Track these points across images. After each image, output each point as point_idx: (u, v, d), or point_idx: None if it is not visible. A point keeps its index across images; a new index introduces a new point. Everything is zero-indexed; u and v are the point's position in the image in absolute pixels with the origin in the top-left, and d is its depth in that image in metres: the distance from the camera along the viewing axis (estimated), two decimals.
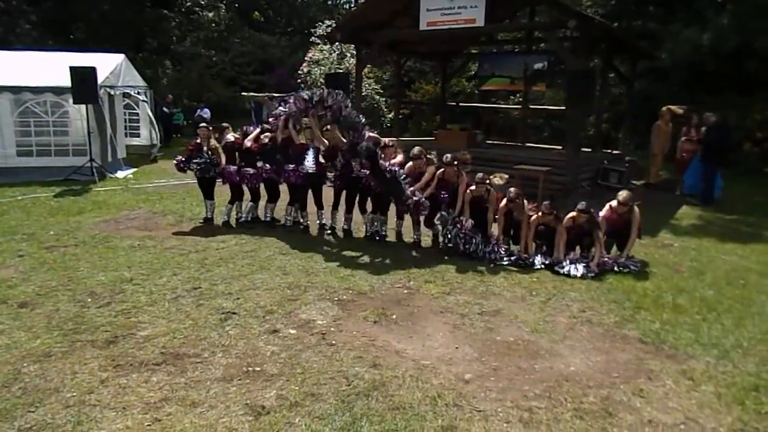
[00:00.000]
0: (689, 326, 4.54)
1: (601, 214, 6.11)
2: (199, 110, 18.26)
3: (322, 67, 19.35)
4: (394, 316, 4.63)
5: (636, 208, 6.03)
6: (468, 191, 6.34)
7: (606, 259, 5.97)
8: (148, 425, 3.05)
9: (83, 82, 10.09)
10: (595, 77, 10.50)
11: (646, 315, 4.75)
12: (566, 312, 4.81)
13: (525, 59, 13.37)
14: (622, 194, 6.04)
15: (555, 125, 16.67)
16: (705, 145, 9.76)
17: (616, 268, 5.86)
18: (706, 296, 5.26)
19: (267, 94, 13.68)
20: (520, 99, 15.07)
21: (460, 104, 16.76)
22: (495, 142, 13.44)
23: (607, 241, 6.18)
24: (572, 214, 6.01)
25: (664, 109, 11.24)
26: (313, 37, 20.36)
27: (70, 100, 10.49)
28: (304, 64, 20.41)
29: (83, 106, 10.54)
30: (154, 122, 14.37)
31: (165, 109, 17.13)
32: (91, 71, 10.23)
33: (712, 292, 5.38)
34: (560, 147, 12.25)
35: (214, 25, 26.72)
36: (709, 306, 5.01)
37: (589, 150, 11.93)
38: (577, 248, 6.14)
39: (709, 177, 9.76)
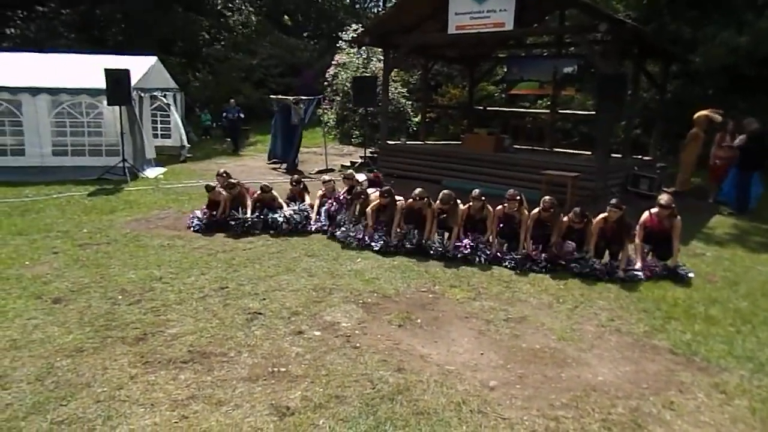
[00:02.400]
0: (722, 338, 4.42)
1: (641, 220, 6.01)
2: (227, 112, 18.49)
3: (349, 71, 19.46)
4: (419, 321, 4.61)
5: (677, 215, 5.91)
6: (501, 207, 6.38)
7: (655, 266, 5.88)
8: (175, 422, 3.10)
9: (117, 84, 10.36)
10: (627, 81, 10.31)
11: (677, 325, 4.64)
12: (594, 320, 4.72)
13: (554, 63, 13.22)
14: (664, 198, 5.92)
15: (584, 130, 16.42)
16: (743, 153, 9.44)
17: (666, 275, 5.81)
18: (740, 307, 5.11)
19: (295, 97, 13.77)
20: (549, 103, 14.90)
21: (488, 108, 16.65)
22: (522, 146, 13.32)
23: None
24: (603, 215, 5.93)
25: (701, 114, 10.83)
26: (340, 41, 20.50)
27: (105, 102, 10.77)
28: (331, 68, 20.56)
29: (116, 108, 10.80)
30: (183, 124, 14.64)
31: (228, 115, 16.95)
32: (125, 73, 10.49)
33: (747, 303, 5.22)
34: (589, 152, 12.07)
35: (242, 28, 27.12)
36: (743, 318, 4.86)
37: (619, 156, 11.73)
38: (606, 253, 6.05)
39: (744, 184, 9.48)
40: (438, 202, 6.52)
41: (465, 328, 4.49)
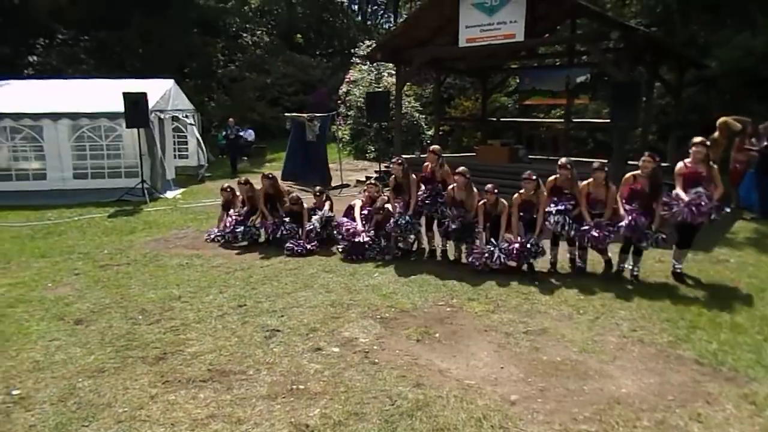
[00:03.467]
0: (750, 347, 4.30)
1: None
2: (243, 132, 18.71)
3: (361, 87, 19.62)
4: (438, 335, 4.58)
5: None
6: (517, 195, 6.30)
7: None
8: None
9: (135, 106, 10.57)
10: (641, 88, 10.23)
11: (702, 334, 4.53)
12: (616, 331, 4.64)
13: (567, 72, 13.18)
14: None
15: (599, 138, 16.30)
16: (764, 156, 9.27)
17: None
18: (767, 315, 4.99)
19: (309, 114, 13.88)
20: (563, 112, 14.84)
21: (501, 119, 16.63)
22: (537, 156, 13.25)
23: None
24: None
25: (723, 120, 10.64)
26: (353, 58, 20.70)
27: (123, 125, 10.98)
28: (343, 85, 20.76)
29: (135, 130, 11.01)
30: (202, 144, 14.86)
31: (228, 133, 16.67)
32: (142, 96, 10.70)
33: None
34: (605, 160, 11.96)
35: (255, 48, 27.56)
36: None
37: (635, 163, 11.58)
38: None
39: (766, 188, 9.30)
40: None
41: (484, 342, 4.44)
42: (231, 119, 17.05)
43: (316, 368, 3.97)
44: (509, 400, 3.53)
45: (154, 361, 4.10)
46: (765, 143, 9.36)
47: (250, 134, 19.58)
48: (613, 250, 6.15)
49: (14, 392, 3.63)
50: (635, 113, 9.71)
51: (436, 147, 7.12)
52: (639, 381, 3.79)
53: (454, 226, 6.44)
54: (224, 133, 17.11)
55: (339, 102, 20.73)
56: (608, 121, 12.76)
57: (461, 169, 6.44)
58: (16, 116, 11.09)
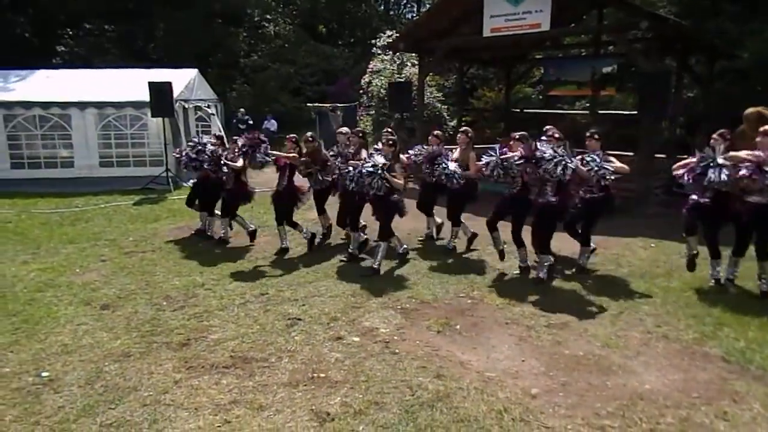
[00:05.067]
0: None
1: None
2: (265, 121, 18.79)
3: (383, 77, 19.53)
4: (458, 327, 4.56)
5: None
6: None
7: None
8: (218, 426, 3.15)
9: (160, 96, 10.70)
10: (670, 80, 9.98)
11: (729, 332, 4.43)
12: (640, 327, 4.57)
13: (593, 63, 12.93)
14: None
15: (622, 132, 16.02)
16: None
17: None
18: None
19: (332, 105, 13.92)
20: (587, 104, 14.59)
21: (525, 110, 16.43)
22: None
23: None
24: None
25: (753, 110, 10.27)
26: (375, 48, 20.60)
27: (149, 114, 11.13)
28: (366, 75, 20.68)
29: (160, 119, 11.14)
30: (224, 134, 14.96)
31: (240, 125, 16.70)
32: (167, 86, 10.83)
33: None
34: (631, 153, 11.74)
35: (277, 38, 27.60)
36: None
37: (664, 156, 11.36)
38: None
39: None
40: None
41: (505, 335, 4.42)
42: (242, 109, 17.06)
43: (336, 357, 4.00)
44: (530, 394, 3.51)
45: (178, 346, 4.17)
46: None
47: (273, 124, 19.64)
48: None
49: (44, 374, 3.73)
50: (664, 106, 9.48)
51: (466, 129, 7.04)
52: (663, 377, 3.73)
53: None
54: (264, 124, 17.18)
55: (361, 92, 20.68)
56: (635, 113, 12.53)
57: (465, 128, 6.57)
58: (45, 105, 11.30)
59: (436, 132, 7.07)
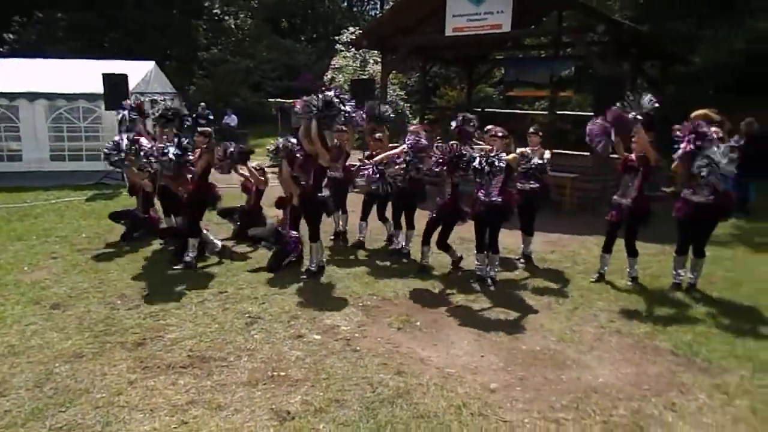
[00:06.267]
0: (723, 339, 4.40)
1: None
2: (225, 116, 18.45)
3: (346, 74, 19.47)
4: (419, 323, 4.60)
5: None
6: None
7: None
8: (175, 427, 3.08)
9: (115, 88, 10.35)
10: (625, 83, 10.30)
11: (678, 327, 4.62)
12: (594, 322, 4.71)
13: (552, 65, 13.22)
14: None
15: (580, 132, 16.47)
16: (745, 154, 9.37)
17: None
18: (741, 308, 5.10)
19: (294, 100, 13.77)
20: (546, 104, 14.91)
21: (486, 110, 16.65)
22: (521, 148, 13.30)
23: None
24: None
25: (699, 113, 10.73)
26: (338, 44, 20.52)
27: (102, 106, 10.76)
28: (329, 71, 20.57)
29: (115, 112, 10.78)
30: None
31: (200, 120, 16.36)
32: (123, 78, 10.49)
33: (748, 303, 5.21)
34: (588, 153, 12.07)
35: (238, 32, 27.16)
36: (744, 318, 4.85)
37: (615, 156, 11.70)
38: None
39: (743, 184, 9.45)
40: None
41: (464, 331, 4.48)
42: (202, 103, 16.74)
43: (297, 355, 3.96)
44: (489, 389, 3.57)
45: (133, 346, 4.05)
46: (743, 141, 9.49)
47: (233, 119, 19.29)
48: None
49: None
50: None
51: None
52: (616, 371, 3.86)
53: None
54: (225, 119, 16.81)
55: (324, 88, 20.57)
56: (592, 114, 12.88)
57: (536, 126, 6.57)
58: None
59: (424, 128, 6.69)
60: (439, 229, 5.78)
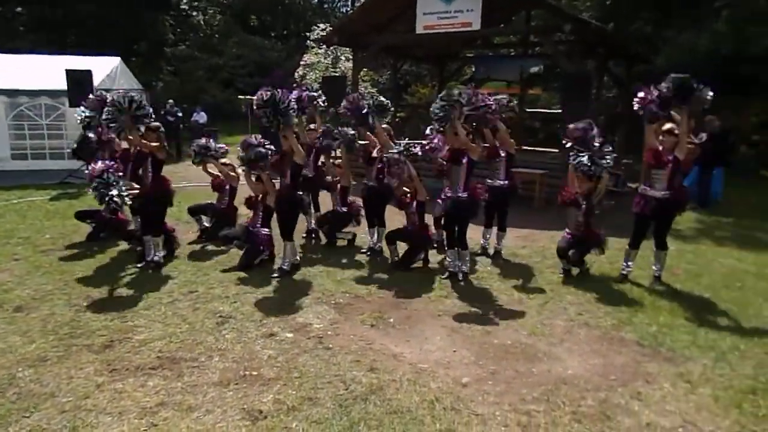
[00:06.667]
0: (686, 329, 4.54)
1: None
2: (194, 113, 18.13)
3: (317, 71, 19.38)
4: (392, 320, 4.62)
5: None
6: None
7: None
8: (144, 430, 3.03)
9: (79, 85, 10.09)
10: (591, 81, 10.52)
11: (643, 318, 4.75)
12: (563, 315, 4.80)
13: (521, 63, 13.42)
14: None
15: (548, 129, 16.73)
16: (705, 150, 9.67)
17: None
18: (703, 299, 5.27)
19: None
20: (516, 102, 15.10)
21: None
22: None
23: None
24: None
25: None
26: (308, 41, 20.40)
27: (66, 103, 10.47)
28: (299, 68, 20.44)
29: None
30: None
31: (169, 117, 15.22)
32: (87, 74, 10.23)
33: (709, 294, 5.38)
34: (556, 150, 12.28)
35: (206, 27, 26.75)
36: (706, 309, 5.01)
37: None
38: None
39: (706, 181, 9.76)
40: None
41: (437, 326, 4.51)
42: (171, 100, 16.43)
43: (269, 354, 3.94)
44: (461, 383, 3.60)
45: (101, 349, 3.96)
46: (705, 138, 9.79)
47: (202, 116, 18.96)
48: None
49: None
50: (585, 105, 9.98)
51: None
52: (584, 362, 3.94)
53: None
54: (194, 116, 16.51)
55: (295, 85, 20.43)
56: (560, 111, 13.10)
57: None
58: None
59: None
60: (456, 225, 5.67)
